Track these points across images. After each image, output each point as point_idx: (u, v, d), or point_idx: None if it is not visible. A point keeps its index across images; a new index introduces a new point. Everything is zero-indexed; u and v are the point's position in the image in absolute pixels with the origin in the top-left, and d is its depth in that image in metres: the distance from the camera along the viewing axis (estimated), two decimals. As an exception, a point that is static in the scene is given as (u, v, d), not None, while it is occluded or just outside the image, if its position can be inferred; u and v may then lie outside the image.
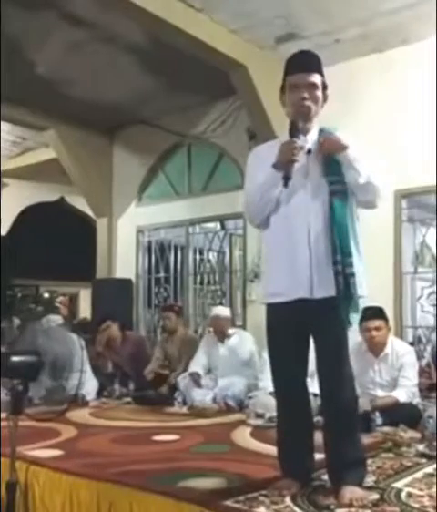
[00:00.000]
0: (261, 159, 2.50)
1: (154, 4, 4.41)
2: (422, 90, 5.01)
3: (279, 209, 2.46)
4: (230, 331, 5.10)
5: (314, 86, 2.45)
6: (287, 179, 2.35)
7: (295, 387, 2.50)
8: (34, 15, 4.77)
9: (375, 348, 4.01)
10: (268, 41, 5.18)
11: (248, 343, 5.02)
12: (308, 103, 2.44)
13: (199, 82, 5.85)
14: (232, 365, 4.92)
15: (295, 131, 2.41)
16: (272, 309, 2.49)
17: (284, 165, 2.36)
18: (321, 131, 2.52)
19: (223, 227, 7.04)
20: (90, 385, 5.12)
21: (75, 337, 5.36)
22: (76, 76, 5.89)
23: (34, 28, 4.98)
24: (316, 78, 2.46)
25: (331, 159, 2.43)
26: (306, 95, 2.44)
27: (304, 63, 2.50)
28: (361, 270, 2.43)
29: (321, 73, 2.50)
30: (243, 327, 6.05)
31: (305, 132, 2.47)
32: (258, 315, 5.92)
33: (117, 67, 5.66)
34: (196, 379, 4.89)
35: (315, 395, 2.73)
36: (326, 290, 2.35)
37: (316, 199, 2.42)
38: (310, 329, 2.45)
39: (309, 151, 2.45)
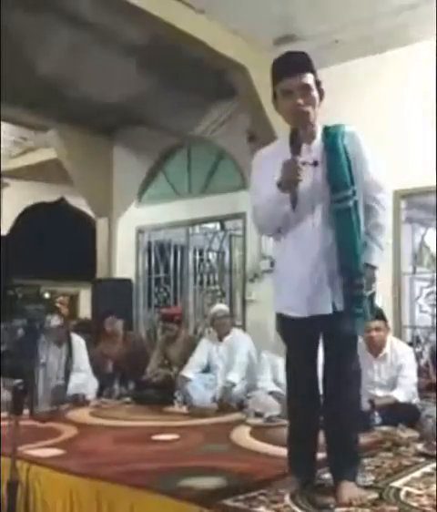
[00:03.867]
0: (264, 169, 2.39)
1: (154, 5, 4.42)
2: (422, 91, 5.02)
3: (289, 221, 2.38)
4: (230, 329, 5.11)
5: (307, 87, 2.31)
6: (294, 201, 2.27)
7: (306, 387, 2.49)
8: (34, 15, 4.78)
9: (374, 348, 4.02)
10: (267, 42, 5.18)
11: (245, 344, 5.01)
12: (306, 109, 2.30)
13: (199, 83, 5.86)
14: (231, 365, 4.92)
15: (297, 144, 2.26)
16: (282, 319, 2.52)
17: (288, 185, 2.25)
18: (326, 129, 2.39)
19: (223, 227, 7.05)
20: (90, 385, 5.13)
21: (75, 337, 5.41)
22: (77, 76, 5.90)
23: (34, 29, 4.99)
24: (307, 79, 2.30)
25: (338, 173, 2.32)
26: (301, 100, 2.29)
27: (291, 65, 2.32)
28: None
29: (312, 70, 2.34)
30: (243, 327, 6.06)
31: (309, 140, 2.35)
32: (257, 315, 5.97)
33: (118, 68, 5.67)
34: (181, 383, 4.86)
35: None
36: (327, 308, 2.35)
37: (324, 214, 2.34)
38: (320, 332, 2.46)
39: (315, 163, 2.32)
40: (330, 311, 2.35)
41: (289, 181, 2.24)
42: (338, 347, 2.42)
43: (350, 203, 2.31)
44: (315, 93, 2.33)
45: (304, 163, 2.25)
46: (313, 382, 2.50)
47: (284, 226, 2.40)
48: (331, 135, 2.37)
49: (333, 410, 2.41)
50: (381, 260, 2.45)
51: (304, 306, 2.38)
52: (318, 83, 2.36)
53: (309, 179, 2.31)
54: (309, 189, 2.32)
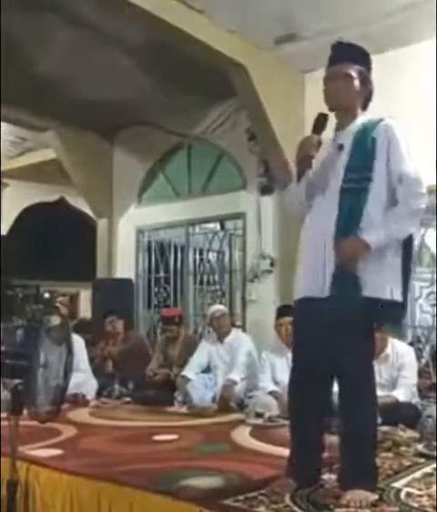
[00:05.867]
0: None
1: (154, 4, 4.42)
2: (422, 91, 5.01)
3: (312, 204, 2.48)
4: (230, 329, 5.10)
5: (345, 76, 2.44)
6: (300, 174, 2.40)
7: (309, 383, 2.43)
8: (34, 15, 4.78)
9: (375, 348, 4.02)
10: (268, 41, 5.18)
11: (245, 345, 5.00)
12: (333, 95, 2.44)
13: (199, 83, 5.85)
14: (231, 365, 4.92)
15: (318, 126, 2.44)
16: (296, 304, 2.52)
17: (300, 160, 2.41)
18: (365, 122, 2.46)
19: (223, 227, 7.05)
20: (90, 385, 5.13)
21: (75, 337, 5.40)
22: (77, 76, 5.89)
23: (34, 29, 4.98)
24: (346, 68, 2.44)
25: (354, 156, 2.39)
26: (331, 87, 2.45)
27: (333, 55, 2.51)
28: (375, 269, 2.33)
29: (359, 62, 2.46)
30: (243, 327, 6.06)
31: (343, 126, 2.47)
32: (257, 315, 5.97)
33: (118, 68, 5.67)
34: (181, 383, 4.87)
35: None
36: (322, 292, 2.35)
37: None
38: (330, 327, 2.35)
39: (340, 147, 2.43)
40: (324, 294, 2.34)
41: (301, 156, 2.41)
42: (344, 340, 2.32)
43: (351, 185, 2.36)
44: (354, 83, 2.44)
45: (319, 142, 2.40)
46: (321, 379, 2.42)
47: (309, 206, 2.49)
48: (366, 126, 2.44)
49: (348, 415, 2.36)
50: (372, 240, 2.29)
51: (311, 288, 2.39)
52: (363, 79, 2.47)
53: (334, 162, 2.42)
54: (330, 172, 2.41)
